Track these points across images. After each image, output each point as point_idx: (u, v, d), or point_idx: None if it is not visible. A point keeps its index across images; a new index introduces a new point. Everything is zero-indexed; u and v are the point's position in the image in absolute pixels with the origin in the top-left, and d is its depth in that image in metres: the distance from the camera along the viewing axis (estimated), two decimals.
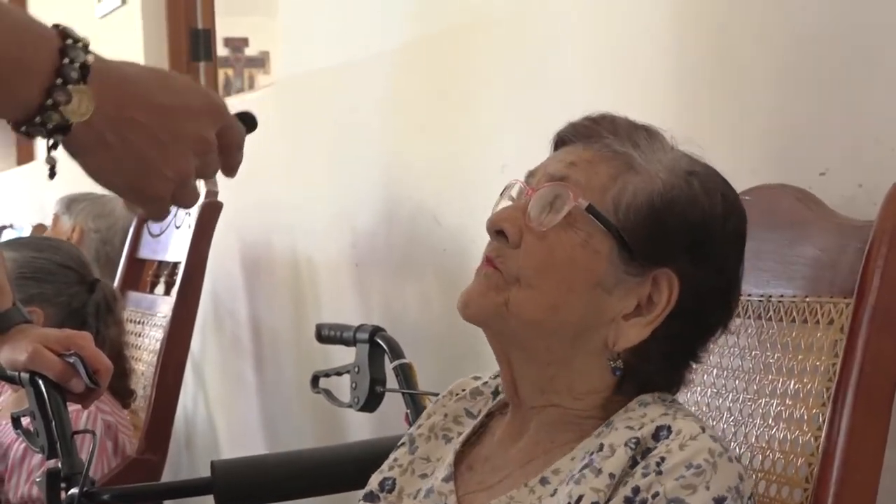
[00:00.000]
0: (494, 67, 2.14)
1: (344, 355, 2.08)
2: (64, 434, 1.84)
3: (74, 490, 1.79)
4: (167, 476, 2.59)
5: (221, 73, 5.63)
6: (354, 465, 1.69)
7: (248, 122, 1.03)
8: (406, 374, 1.92)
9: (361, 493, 1.30)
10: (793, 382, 1.30)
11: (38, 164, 5.36)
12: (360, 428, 2.52)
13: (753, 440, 1.34)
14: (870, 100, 1.41)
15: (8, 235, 4.26)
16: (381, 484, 1.29)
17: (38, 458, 2.25)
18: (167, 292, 2.82)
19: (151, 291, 2.92)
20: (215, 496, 1.81)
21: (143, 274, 2.96)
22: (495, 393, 1.31)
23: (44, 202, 4.24)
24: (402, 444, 1.32)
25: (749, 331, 1.38)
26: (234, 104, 3.54)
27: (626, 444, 1.11)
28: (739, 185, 1.26)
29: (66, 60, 0.90)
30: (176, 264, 2.75)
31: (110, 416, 2.40)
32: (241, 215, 3.05)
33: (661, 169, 1.17)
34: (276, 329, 3.10)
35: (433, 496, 1.22)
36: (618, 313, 1.16)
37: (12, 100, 0.90)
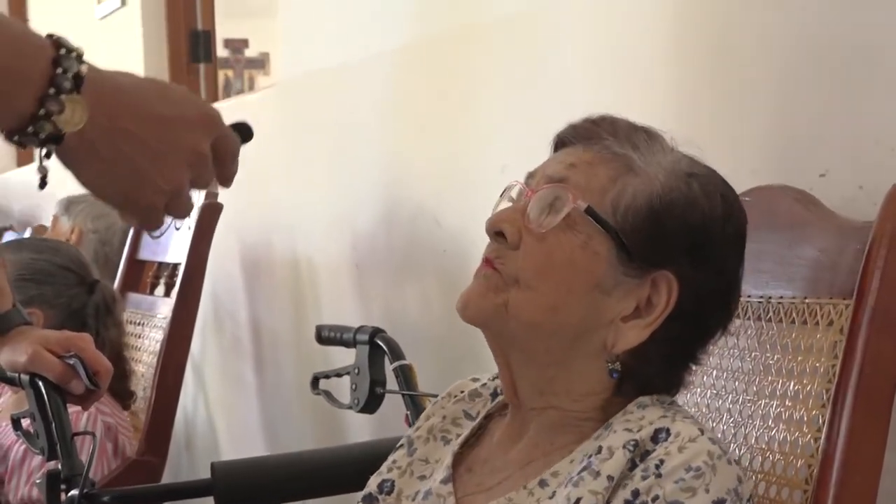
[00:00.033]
0: (494, 68, 2.14)
1: (344, 357, 2.08)
2: (64, 436, 1.84)
3: (74, 492, 1.79)
4: (167, 478, 2.59)
5: (221, 75, 5.63)
6: (355, 467, 1.68)
7: (244, 132, 1.03)
8: (406, 376, 1.92)
9: (360, 494, 1.30)
10: (792, 384, 1.30)
11: None
12: (360, 429, 2.52)
13: (753, 441, 1.34)
14: (870, 101, 1.41)
15: (9, 237, 4.26)
16: (380, 486, 1.29)
17: (38, 459, 2.25)
18: (167, 294, 2.82)
19: (151, 293, 2.91)
20: (215, 498, 1.81)
21: (143, 275, 2.95)
22: (494, 394, 1.31)
23: (44, 203, 4.25)
24: (401, 445, 1.32)
25: (749, 332, 1.38)
26: (235, 105, 3.55)
27: (624, 447, 1.11)
28: (739, 185, 1.26)
29: (60, 70, 0.90)
30: (176, 265, 2.75)
31: (110, 418, 2.39)
32: (241, 216, 3.05)
33: (661, 171, 1.17)
34: (276, 330, 3.10)
35: (432, 498, 1.22)
36: (617, 315, 1.16)
37: (5, 108, 0.90)
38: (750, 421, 1.35)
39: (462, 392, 1.33)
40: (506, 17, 2.11)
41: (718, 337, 1.22)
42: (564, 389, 1.18)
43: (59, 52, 0.91)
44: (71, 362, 1.82)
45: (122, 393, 2.48)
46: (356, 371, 1.98)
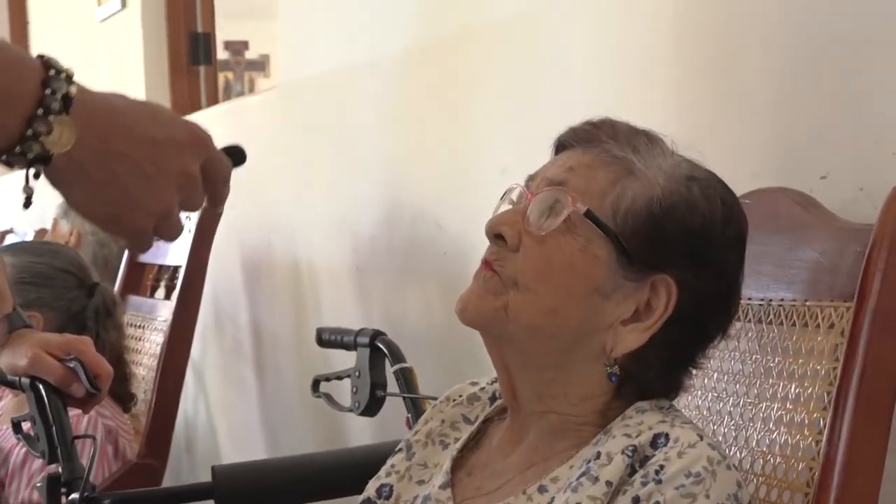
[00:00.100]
0: (494, 69, 2.14)
1: (345, 359, 2.08)
2: (64, 439, 1.84)
3: (75, 495, 1.79)
4: (168, 481, 2.59)
5: (222, 77, 5.63)
6: (355, 470, 1.68)
7: (236, 155, 1.03)
8: (407, 379, 1.92)
9: (359, 499, 1.30)
10: (793, 386, 1.30)
11: None
12: (360, 432, 2.52)
13: (754, 444, 1.33)
14: (870, 103, 1.41)
15: (9, 240, 4.25)
16: (379, 490, 1.28)
17: (38, 463, 2.25)
18: (167, 296, 2.82)
19: (152, 295, 2.91)
20: (216, 501, 1.81)
21: (143, 278, 2.95)
22: (493, 398, 1.31)
23: (45, 207, 4.24)
24: (400, 450, 1.31)
25: (749, 335, 1.38)
26: (235, 108, 3.54)
27: (623, 452, 1.10)
28: (740, 188, 1.26)
29: (49, 91, 0.90)
30: (176, 268, 2.75)
31: (111, 421, 2.39)
32: (241, 219, 3.05)
33: (661, 174, 1.17)
34: (276, 333, 3.10)
35: (430, 503, 1.22)
36: (616, 319, 1.16)
37: None
38: (751, 424, 1.35)
39: (461, 396, 1.33)
40: (506, 19, 2.11)
41: (718, 341, 1.21)
42: (563, 393, 1.18)
43: (49, 72, 0.91)
44: (71, 365, 1.82)
45: (122, 396, 2.48)
46: (357, 374, 1.98)
